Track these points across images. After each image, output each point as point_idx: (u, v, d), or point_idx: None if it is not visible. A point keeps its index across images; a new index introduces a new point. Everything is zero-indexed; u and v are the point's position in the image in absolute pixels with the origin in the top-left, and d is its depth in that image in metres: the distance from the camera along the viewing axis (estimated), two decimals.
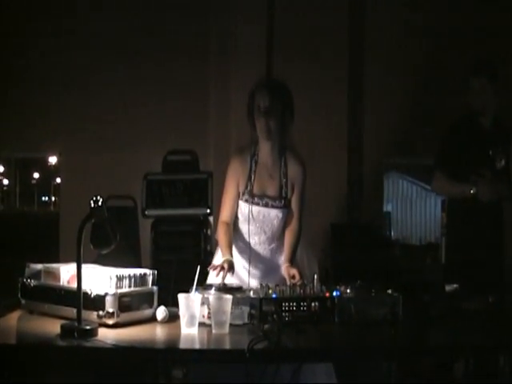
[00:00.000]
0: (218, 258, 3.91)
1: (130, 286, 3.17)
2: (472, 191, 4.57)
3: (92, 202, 2.96)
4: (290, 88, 3.91)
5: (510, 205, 4.83)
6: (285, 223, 3.93)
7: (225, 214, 3.92)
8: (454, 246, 4.88)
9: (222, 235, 3.87)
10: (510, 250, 4.85)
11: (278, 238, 3.95)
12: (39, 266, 3.38)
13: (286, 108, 3.86)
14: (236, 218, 3.95)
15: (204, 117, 6.43)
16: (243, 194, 3.89)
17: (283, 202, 3.90)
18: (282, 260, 3.92)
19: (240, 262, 3.92)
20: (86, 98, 6.52)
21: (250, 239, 3.93)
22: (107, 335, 2.92)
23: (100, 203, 2.95)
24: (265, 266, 3.93)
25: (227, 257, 3.72)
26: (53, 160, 8.70)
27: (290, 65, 6.20)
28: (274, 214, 3.89)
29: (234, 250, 3.90)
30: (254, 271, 3.91)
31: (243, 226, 3.94)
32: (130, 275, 3.19)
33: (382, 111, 6.52)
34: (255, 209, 3.87)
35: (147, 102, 6.41)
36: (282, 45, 6.41)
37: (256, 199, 3.87)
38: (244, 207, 3.89)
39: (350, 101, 6.62)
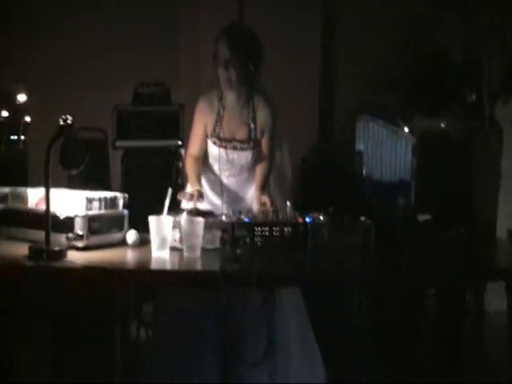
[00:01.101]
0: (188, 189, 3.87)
1: (100, 209, 3.12)
2: (442, 125, 4.57)
3: (61, 120, 2.88)
4: (255, 34, 3.79)
5: (479, 139, 4.84)
6: (255, 161, 3.88)
7: (193, 149, 3.88)
8: (423, 183, 4.89)
9: (190, 167, 3.83)
10: (479, 185, 4.87)
11: (247, 171, 3.90)
12: (6, 190, 3.32)
13: (248, 57, 3.72)
14: (205, 153, 3.90)
15: (174, 49, 6.34)
16: (211, 136, 3.84)
17: (252, 144, 3.85)
18: (252, 191, 3.89)
19: (209, 193, 3.88)
20: (55, 33, 6.39)
21: (221, 173, 3.88)
22: (76, 258, 2.88)
23: (69, 121, 2.88)
24: (235, 195, 3.89)
25: (196, 187, 3.67)
26: (21, 98, 8.53)
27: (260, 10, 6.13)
28: (244, 156, 3.85)
29: (204, 182, 3.86)
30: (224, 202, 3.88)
31: (212, 163, 3.89)
32: (100, 198, 3.14)
33: (355, 49, 6.47)
34: (224, 151, 3.83)
35: (117, 36, 6.30)
36: None
37: (224, 143, 3.82)
38: (213, 148, 3.84)
39: (324, 40, 6.56)
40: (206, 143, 3.86)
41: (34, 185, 5.58)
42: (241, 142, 3.83)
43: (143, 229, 3.17)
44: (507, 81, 4.52)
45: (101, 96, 5.99)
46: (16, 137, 9.94)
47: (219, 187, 3.87)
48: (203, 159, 3.89)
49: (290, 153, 4.18)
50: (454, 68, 4.72)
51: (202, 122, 3.84)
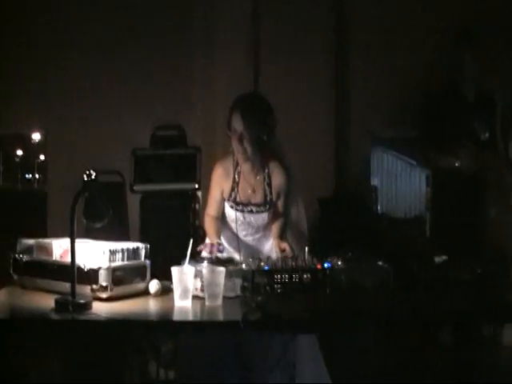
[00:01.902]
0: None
1: (122, 260, 3.19)
2: (456, 164, 4.61)
3: (85, 175, 2.96)
4: (268, 104, 3.84)
5: (493, 176, 4.86)
6: (271, 219, 3.97)
7: (211, 211, 4.00)
8: (438, 219, 4.92)
9: (209, 226, 3.96)
10: (493, 222, 4.89)
11: (263, 229, 4.00)
12: (31, 241, 3.38)
13: (262, 130, 3.78)
14: (223, 213, 4.00)
15: (190, 91, 6.40)
16: (228, 200, 3.94)
17: (268, 206, 3.94)
18: (269, 245, 3.97)
19: (228, 248, 3.97)
20: (71, 73, 6.45)
21: (238, 232, 3.96)
22: (101, 309, 2.94)
23: (93, 176, 2.95)
24: (252, 251, 3.95)
25: (216, 240, 3.77)
26: (36, 137, 8.60)
27: (274, 39, 6.19)
28: (260, 218, 3.95)
29: (222, 239, 3.95)
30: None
31: (230, 223, 3.99)
32: (122, 249, 3.20)
33: (368, 85, 6.51)
34: (241, 214, 3.93)
35: (133, 77, 6.36)
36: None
37: (241, 206, 3.92)
38: (229, 211, 3.96)
39: (338, 76, 6.61)
40: (224, 204, 3.97)
41: (53, 226, 5.65)
42: (257, 205, 3.92)
43: (162, 274, 3.23)
44: None
45: (117, 139, 6.05)
46: (31, 175, 10.02)
47: (237, 243, 3.95)
48: (222, 217, 4.00)
49: (306, 194, 4.25)
50: (467, 104, 4.76)
51: (218, 186, 3.95)
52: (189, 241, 3.25)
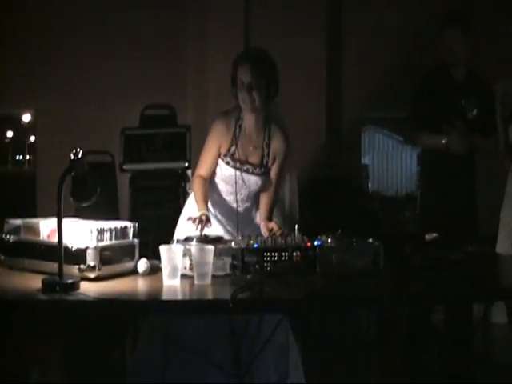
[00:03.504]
0: (189, 208, 3.94)
1: (110, 239, 3.16)
2: (444, 142, 4.59)
3: (72, 154, 2.93)
4: (273, 59, 3.85)
5: (481, 154, 4.86)
6: (262, 188, 3.93)
7: (202, 170, 3.90)
8: (428, 198, 4.91)
9: (197, 189, 3.85)
10: (482, 199, 4.89)
11: (252, 198, 3.95)
12: (18, 222, 3.35)
13: (269, 82, 3.80)
14: (213, 173, 3.93)
15: (182, 70, 6.36)
16: (225, 156, 3.87)
17: (263, 169, 3.90)
18: (257, 216, 3.93)
19: (213, 215, 3.92)
20: (61, 54, 6.42)
21: (225, 197, 3.93)
22: (89, 289, 2.91)
23: (80, 155, 2.92)
24: (239, 220, 3.91)
25: (203, 211, 3.69)
26: (26, 118, 8.57)
27: (268, 17, 6.16)
28: (254, 181, 3.89)
29: (211, 207, 3.90)
30: (228, 227, 3.93)
31: (220, 184, 3.92)
32: (110, 228, 3.17)
33: (359, 64, 6.50)
34: (236, 173, 3.86)
35: (123, 56, 6.33)
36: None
37: (238, 164, 3.86)
38: (224, 168, 3.87)
39: (329, 54, 6.59)
40: (216, 164, 3.90)
41: (43, 206, 5.62)
42: (253, 165, 3.88)
43: (152, 252, 3.21)
44: None
45: (107, 118, 6.03)
46: (21, 156, 9.98)
47: (224, 210, 3.92)
48: (211, 182, 3.93)
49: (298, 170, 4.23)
50: (455, 84, 4.75)
51: (217, 141, 3.87)
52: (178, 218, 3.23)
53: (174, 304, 2.89)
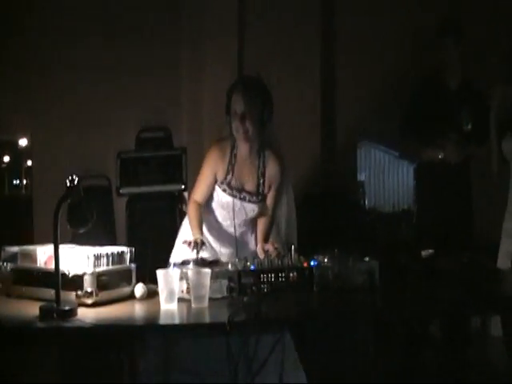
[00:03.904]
0: (185, 232, 3.95)
1: (107, 265, 3.17)
2: (440, 156, 4.61)
3: (68, 181, 2.94)
4: (266, 86, 3.84)
5: (477, 165, 4.87)
6: (259, 215, 3.95)
7: (198, 195, 3.91)
8: (425, 211, 4.93)
9: (192, 214, 3.85)
10: (479, 210, 4.90)
11: (248, 223, 3.97)
12: (15, 249, 3.35)
13: (263, 110, 3.79)
14: (210, 197, 3.95)
15: (176, 93, 6.38)
16: (222, 184, 3.88)
17: (260, 197, 3.91)
18: (253, 240, 3.96)
19: (209, 239, 3.94)
20: (55, 78, 6.43)
21: (222, 222, 3.95)
22: (87, 315, 2.92)
23: (76, 182, 2.94)
24: (235, 244, 3.92)
25: (198, 235, 3.70)
26: (23, 142, 8.58)
27: (261, 41, 6.19)
28: (250, 208, 3.90)
29: (204, 228, 3.91)
30: (224, 251, 3.94)
31: (217, 210, 3.95)
32: (107, 254, 3.18)
33: (354, 76, 6.51)
34: (234, 200, 3.87)
35: (118, 80, 6.34)
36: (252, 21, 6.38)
37: (234, 192, 3.87)
38: (221, 195, 3.89)
39: (323, 69, 6.60)
40: (213, 190, 3.91)
41: (40, 232, 5.62)
42: (249, 193, 3.88)
43: (150, 276, 3.22)
44: None
45: (103, 142, 6.04)
46: (18, 181, 9.98)
47: (220, 234, 3.94)
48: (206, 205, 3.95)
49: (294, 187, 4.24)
50: (450, 94, 4.76)
51: (212, 168, 3.88)
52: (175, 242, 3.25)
53: (171, 328, 2.90)
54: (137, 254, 3.37)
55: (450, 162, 4.64)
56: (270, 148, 3.90)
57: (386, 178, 7.14)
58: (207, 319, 2.99)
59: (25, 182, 9.55)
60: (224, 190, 3.87)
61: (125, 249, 3.31)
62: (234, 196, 3.86)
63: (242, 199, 3.87)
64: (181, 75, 6.36)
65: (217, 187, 3.89)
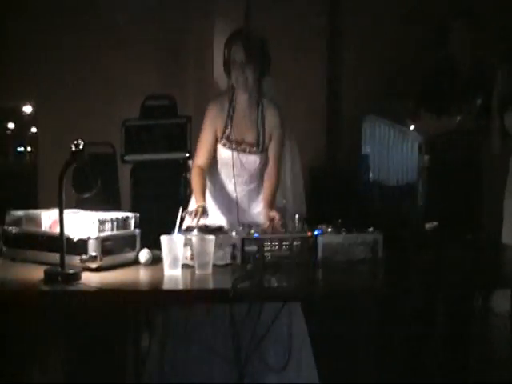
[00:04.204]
0: (193, 204, 3.93)
1: (112, 230, 3.18)
2: (458, 119, 4.62)
3: (73, 145, 2.94)
4: (265, 38, 3.88)
5: (487, 144, 4.87)
6: (263, 167, 3.93)
7: (200, 159, 3.91)
8: (431, 187, 4.93)
9: (195, 180, 3.86)
10: (489, 189, 4.90)
11: (256, 179, 3.95)
12: (20, 213, 3.36)
13: (262, 60, 3.83)
14: (215, 163, 3.94)
15: (182, 61, 6.37)
16: (221, 139, 3.88)
17: (261, 148, 3.90)
18: (259, 206, 3.94)
19: (215, 207, 3.94)
20: (60, 45, 6.42)
21: (227, 185, 3.94)
22: (91, 279, 2.93)
23: (81, 147, 2.94)
24: (241, 208, 3.92)
25: (200, 202, 3.70)
26: (27, 109, 8.57)
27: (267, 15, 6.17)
28: (253, 160, 3.89)
29: (212, 198, 3.92)
30: (230, 217, 3.93)
31: (222, 170, 3.94)
32: (112, 219, 3.19)
33: (361, 53, 6.49)
34: (233, 154, 3.86)
35: (124, 49, 6.32)
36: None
37: (234, 145, 3.87)
38: (222, 151, 3.89)
39: (329, 42, 6.58)
40: (214, 152, 3.91)
41: (45, 198, 5.63)
42: (250, 145, 3.89)
43: (154, 243, 3.22)
44: None
45: (108, 110, 6.03)
46: (23, 148, 9.97)
47: (225, 200, 3.94)
48: (211, 171, 3.95)
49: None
50: (462, 72, 4.77)
51: (212, 126, 3.89)
52: (178, 209, 3.25)
53: (174, 294, 2.91)
54: (141, 221, 3.38)
55: (459, 134, 4.64)
56: (268, 99, 3.92)
57: (391, 152, 7.13)
58: (211, 286, 3.00)
59: (29, 148, 9.54)
60: (224, 145, 3.87)
61: (129, 214, 3.31)
62: (233, 149, 3.86)
63: (243, 151, 3.88)
64: (187, 43, 6.33)
65: (218, 145, 3.90)
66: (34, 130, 8.36)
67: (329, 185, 5.90)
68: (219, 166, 3.94)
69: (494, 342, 5.13)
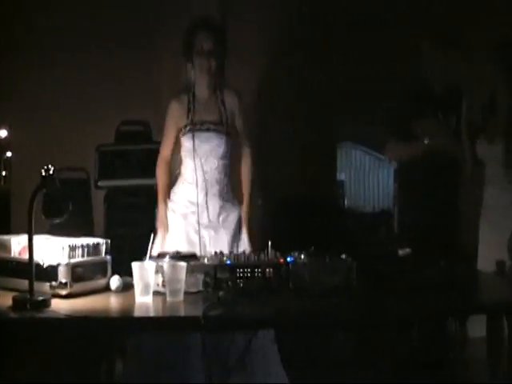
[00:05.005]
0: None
1: (83, 256, 3.15)
2: (426, 141, 4.59)
3: (43, 171, 2.91)
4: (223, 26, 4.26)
5: (464, 167, 4.85)
6: (229, 150, 4.07)
7: (165, 152, 4.17)
8: (405, 213, 4.92)
9: (160, 175, 4.17)
10: (464, 213, 4.88)
11: (222, 168, 4.09)
12: None
13: (224, 48, 4.06)
14: (180, 174, 4.12)
15: (157, 87, 6.34)
16: (185, 127, 4.03)
17: (225, 127, 4.05)
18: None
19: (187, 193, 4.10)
20: (35, 68, 6.39)
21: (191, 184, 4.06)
22: (61, 306, 2.89)
23: (51, 172, 2.91)
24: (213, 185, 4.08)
25: (162, 202, 4.05)
26: (2, 133, 8.48)
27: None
28: (217, 142, 4.03)
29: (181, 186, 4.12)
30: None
31: (187, 167, 4.07)
32: (82, 245, 3.16)
33: (336, 79, 6.48)
34: (197, 136, 4.00)
35: (99, 73, 6.30)
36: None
37: (198, 126, 4.03)
38: (185, 141, 4.03)
39: (304, 69, 6.58)
40: (177, 143, 4.11)
41: (17, 222, 5.58)
42: (213, 123, 4.05)
43: (127, 269, 3.19)
44: (489, 119, 4.53)
45: (83, 134, 5.99)
46: None
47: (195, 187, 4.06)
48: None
49: (271, 186, 4.26)
50: (432, 95, 4.76)
51: (174, 120, 4.11)
52: (150, 236, 3.23)
53: (146, 321, 2.88)
54: (114, 247, 3.35)
55: (439, 147, 4.60)
56: (226, 86, 4.15)
57: (367, 179, 7.15)
58: (182, 313, 2.97)
59: (4, 173, 9.46)
60: (189, 130, 4.02)
61: (100, 240, 3.28)
62: (197, 130, 4.01)
63: (207, 130, 4.02)
64: (161, 69, 6.32)
65: (182, 139, 4.07)
66: (9, 154, 8.27)
67: (303, 211, 5.88)
68: (183, 154, 4.10)
69: (470, 367, 5.13)
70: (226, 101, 4.09)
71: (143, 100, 6.16)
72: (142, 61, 6.31)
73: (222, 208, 4.06)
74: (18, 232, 3.37)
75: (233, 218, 4.05)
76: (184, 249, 3.71)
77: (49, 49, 6.30)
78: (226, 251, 3.44)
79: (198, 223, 3.98)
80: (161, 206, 4.12)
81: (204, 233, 3.97)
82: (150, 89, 6.25)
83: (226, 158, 4.05)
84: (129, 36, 6.29)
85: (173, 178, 4.23)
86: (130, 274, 3.11)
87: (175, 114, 4.09)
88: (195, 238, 3.96)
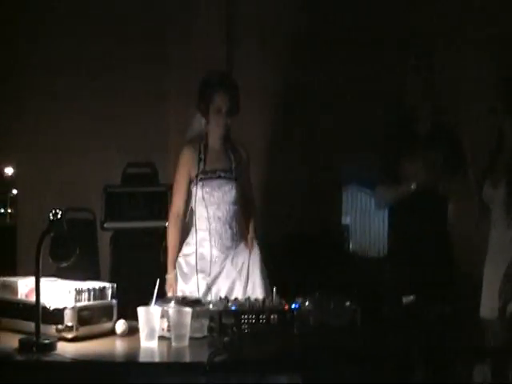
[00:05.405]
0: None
1: (89, 300, 3.17)
2: (413, 186, 4.54)
3: (51, 214, 2.94)
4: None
5: (455, 205, 4.81)
6: (238, 198, 4.16)
7: (177, 204, 4.18)
8: (400, 259, 4.87)
9: (172, 233, 4.21)
10: (458, 252, 4.85)
11: (232, 216, 4.16)
12: None
13: (238, 105, 4.16)
14: (191, 218, 4.16)
15: (163, 129, 6.39)
16: (196, 177, 4.09)
17: (234, 174, 4.13)
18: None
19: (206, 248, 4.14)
20: (42, 108, 6.43)
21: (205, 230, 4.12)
22: (66, 349, 2.92)
23: (59, 216, 2.94)
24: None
25: (172, 256, 4.13)
26: (9, 171, 8.53)
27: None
28: (228, 189, 4.10)
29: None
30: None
31: (200, 216, 4.12)
32: (89, 288, 3.19)
33: (339, 119, 6.50)
34: (209, 185, 4.08)
35: (106, 115, 6.34)
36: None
37: (209, 174, 4.10)
38: (198, 191, 4.08)
39: (307, 108, 6.60)
40: (189, 195, 4.13)
41: (23, 260, 5.59)
42: (223, 170, 4.13)
43: (132, 312, 3.21)
44: (496, 164, 4.49)
45: (89, 174, 6.02)
46: (3, 210, 9.91)
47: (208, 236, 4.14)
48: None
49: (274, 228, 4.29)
50: (420, 137, 4.72)
51: (187, 168, 4.15)
52: (156, 280, 3.25)
53: (151, 366, 2.89)
54: (120, 289, 3.37)
55: (425, 186, 4.55)
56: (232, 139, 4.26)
57: (373, 221, 7.13)
58: (187, 358, 2.98)
59: (10, 210, 9.49)
60: (201, 179, 4.09)
61: (106, 284, 3.31)
62: (208, 178, 4.10)
63: (217, 177, 4.12)
64: (168, 112, 6.37)
65: (194, 189, 4.12)
66: (14, 191, 8.31)
67: (308, 255, 5.89)
68: (197, 212, 4.13)
69: None
70: (236, 155, 4.22)
71: (150, 142, 6.20)
72: (147, 102, 6.36)
73: (234, 253, 4.11)
74: (23, 269, 3.41)
75: (244, 261, 4.10)
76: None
77: (54, 91, 6.35)
78: (240, 297, 3.56)
79: (210, 269, 4.03)
80: (170, 268, 4.15)
81: (218, 281, 4.10)
82: (156, 131, 6.30)
83: (236, 204, 4.11)
84: (137, 79, 6.34)
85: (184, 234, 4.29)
86: (135, 317, 3.12)
87: (189, 161, 4.15)
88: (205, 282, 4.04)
